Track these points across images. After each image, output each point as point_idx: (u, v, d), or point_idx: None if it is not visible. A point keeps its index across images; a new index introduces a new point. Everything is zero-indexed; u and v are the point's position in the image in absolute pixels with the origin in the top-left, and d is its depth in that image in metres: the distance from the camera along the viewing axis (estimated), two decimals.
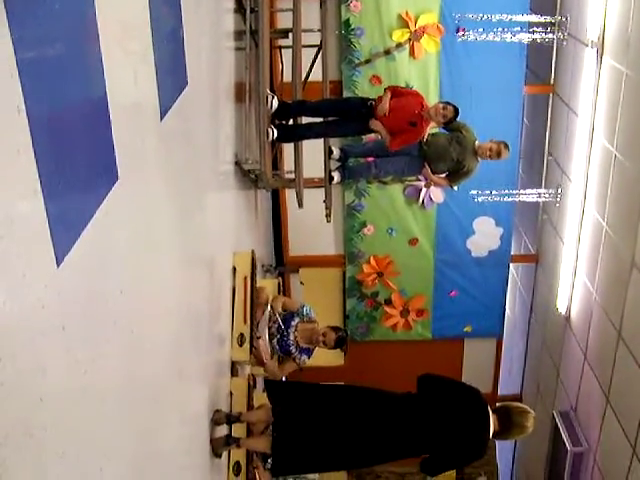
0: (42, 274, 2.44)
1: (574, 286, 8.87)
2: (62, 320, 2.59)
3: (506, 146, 7.77)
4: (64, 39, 2.63)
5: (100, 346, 3.04)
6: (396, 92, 7.42)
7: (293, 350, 6.84)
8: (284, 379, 7.40)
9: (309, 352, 6.94)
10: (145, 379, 3.80)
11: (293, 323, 6.89)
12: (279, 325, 6.87)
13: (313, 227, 10.51)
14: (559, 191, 9.31)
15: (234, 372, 6.87)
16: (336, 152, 8.20)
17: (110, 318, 3.15)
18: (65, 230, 2.61)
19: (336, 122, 7.55)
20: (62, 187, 2.58)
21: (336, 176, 8.31)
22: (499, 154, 7.75)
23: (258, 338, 6.77)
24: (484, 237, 10.69)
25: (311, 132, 7.74)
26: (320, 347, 6.87)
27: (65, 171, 2.62)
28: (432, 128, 7.68)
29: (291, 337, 6.83)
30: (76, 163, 2.76)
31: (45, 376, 2.46)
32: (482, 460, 5.43)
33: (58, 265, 2.54)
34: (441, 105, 7.28)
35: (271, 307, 6.99)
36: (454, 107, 7.26)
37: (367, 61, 9.66)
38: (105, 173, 3.07)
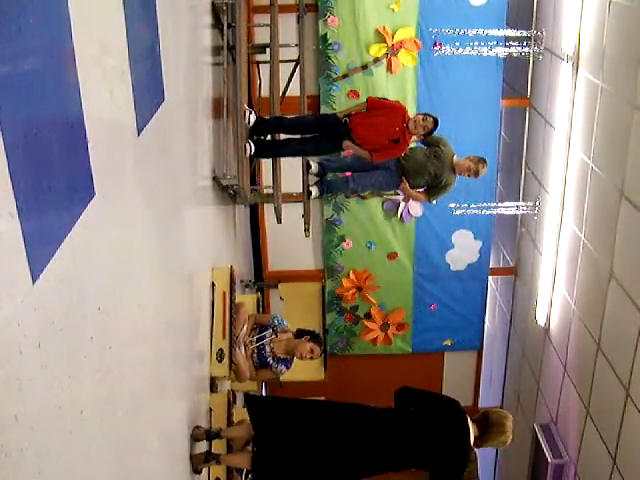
0: (17, 290, 2.41)
1: (553, 298, 8.91)
2: (38, 337, 2.57)
3: (484, 162, 7.76)
4: (39, 55, 2.61)
5: (77, 363, 3.01)
6: (377, 104, 7.38)
7: (270, 361, 6.86)
8: (264, 394, 7.40)
9: (287, 362, 6.95)
10: (123, 396, 3.77)
11: (267, 335, 6.91)
12: (256, 340, 6.90)
13: (292, 242, 10.52)
14: (537, 204, 9.35)
15: (213, 388, 6.84)
16: (314, 167, 8.19)
17: (87, 334, 3.12)
18: (41, 246, 2.58)
19: (313, 140, 7.51)
20: (37, 204, 2.56)
21: (314, 191, 8.29)
22: (477, 173, 7.75)
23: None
24: (463, 250, 10.72)
25: (289, 149, 7.71)
26: (307, 360, 6.94)
27: (41, 188, 2.60)
28: (411, 142, 7.68)
29: (267, 349, 6.86)
30: (52, 180, 2.74)
31: (20, 394, 2.43)
32: (464, 476, 5.39)
33: (34, 281, 2.51)
34: (421, 117, 7.24)
35: (246, 324, 7.01)
36: (433, 118, 7.25)
37: (344, 76, 9.70)
38: (81, 189, 3.05)
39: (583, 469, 8.05)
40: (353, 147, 7.27)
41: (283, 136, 7.88)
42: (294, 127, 7.66)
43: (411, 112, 9.34)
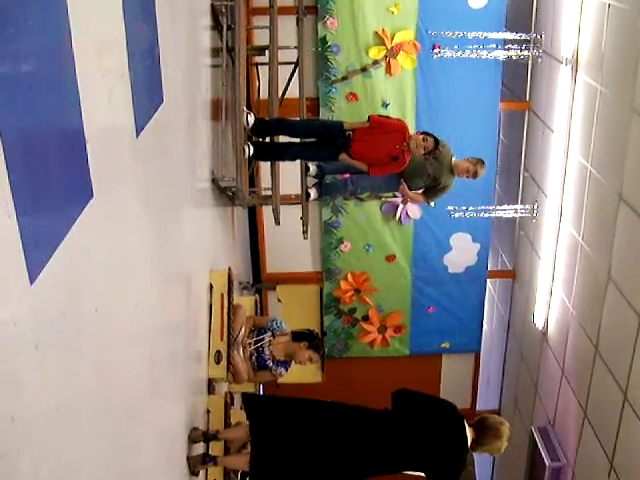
0: (15, 291, 2.41)
1: (551, 301, 8.91)
2: (35, 338, 2.57)
3: (482, 164, 7.77)
4: (38, 57, 2.61)
5: (74, 364, 3.01)
6: (379, 123, 7.34)
7: (270, 364, 6.88)
8: (261, 394, 7.39)
9: (286, 364, 6.98)
10: (121, 397, 3.76)
11: (266, 338, 6.92)
12: (254, 342, 6.90)
13: (290, 244, 10.50)
14: (535, 207, 9.35)
15: (211, 390, 6.83)
16: (313, 169, 8.19)
17: (85, 336, 3.12)
18: (38, 247, 2.58)
19: (312, 146, 7.47)
20: (35, 205, 2.56)
21: (313, 193, 8.29)
22: (475, 175, 7.76)
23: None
24: (461, 253, 10.71)
25: (287, 154, 7.69)
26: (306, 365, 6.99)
27: (39, 189, 2.60)
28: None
29: (266, 352, 6.88)
30: (50, 181, 2.74)
31: (17, 395, 2.43)
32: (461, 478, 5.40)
33: (31, 282, 2.51)
34: (421, 137, 7.16)
35: (245, 326, 7.01)
36: (434, 138, 7.21)
37: (344, 78, 9.69)
38: (79, 190, 3.05)
39: (580, 472, 8.04)
40: (350, 160, 7.25)
41: (282, 140, 7.88)
42: (295, 131, 7.65)
43: (410, 114, 9.41)
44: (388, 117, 7.89)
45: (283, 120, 7.65)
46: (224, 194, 7.64)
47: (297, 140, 7.70)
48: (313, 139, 7.49)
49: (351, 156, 7.19)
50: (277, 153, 7.78)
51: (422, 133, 7.26)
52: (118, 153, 3.69)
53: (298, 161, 8.00)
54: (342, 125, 7.35)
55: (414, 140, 7.13)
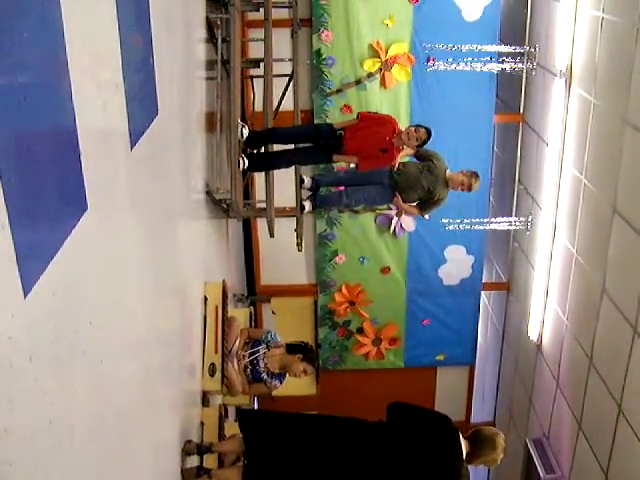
0: (8, 305, 2.40)
1: (545, 313, 8.91)
2: (29, 351, 2.56)
3: (477, 177, 7.77)
4: (32, 68, 2.61)
5: (68, 377, 3.00)
6: (368, 118, 7.39)
7: (265, 377, 6.85)
8: (256, 408, 7.36)
9: (281, 377, 6.95)
10: (115, 410, 3.75)
11: (261, 350, 6.90)
12: (249, 354, 6.89)
13: (285, 256, 10.51)
14: (530, 219, 9.37)
15: (205, 402, 6.82)
16: (307, 181, 8.19)
17: (79, 348, 3.11)
18: (32, 260, 2.57)
19: (306, 150, 7.54)
20: (29, 218, 2.55)
21: (307, 205, 8.28)
22: (470, 187, 7.76)
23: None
24: (455, 265, 10.73)
25: (282, 161, 7.73)
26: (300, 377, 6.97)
27: (33, 202, 2.59)
28: (403, 157, 7.70)
29: (261, 364, 6.85)
30: (44, 193, 2.73)
31: (11, 407, 2.42)
32: None
33: (25, 295, 2.50)
34: (413, 128, 7.23)
35: (239, 339, 6.99)
36: (426, 128, 7.24)
37: (338, 90, 9.73)
38: (74, 203, 3.04)
39: None
40: (342, 158, 7.31)
41: (276, 148, 7.89)
42: (287, 138, 7.67)
43: (404, 126, 9.41)
44: (377, 113, 7.93)
45: (275, 129, 7.65)
46: (219, 206, 7.64)
47: (291, 147, 7.72)
48: (306, 144, 7.52)
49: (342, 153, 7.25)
50: (272, 161, 7.79)
51: (414, 126, 7.32)
52: (113, 165, 3.68)
53: (292, 173, 8.01)
54: (332, 126, 7.40)
55: (406, 132, 7.19)
